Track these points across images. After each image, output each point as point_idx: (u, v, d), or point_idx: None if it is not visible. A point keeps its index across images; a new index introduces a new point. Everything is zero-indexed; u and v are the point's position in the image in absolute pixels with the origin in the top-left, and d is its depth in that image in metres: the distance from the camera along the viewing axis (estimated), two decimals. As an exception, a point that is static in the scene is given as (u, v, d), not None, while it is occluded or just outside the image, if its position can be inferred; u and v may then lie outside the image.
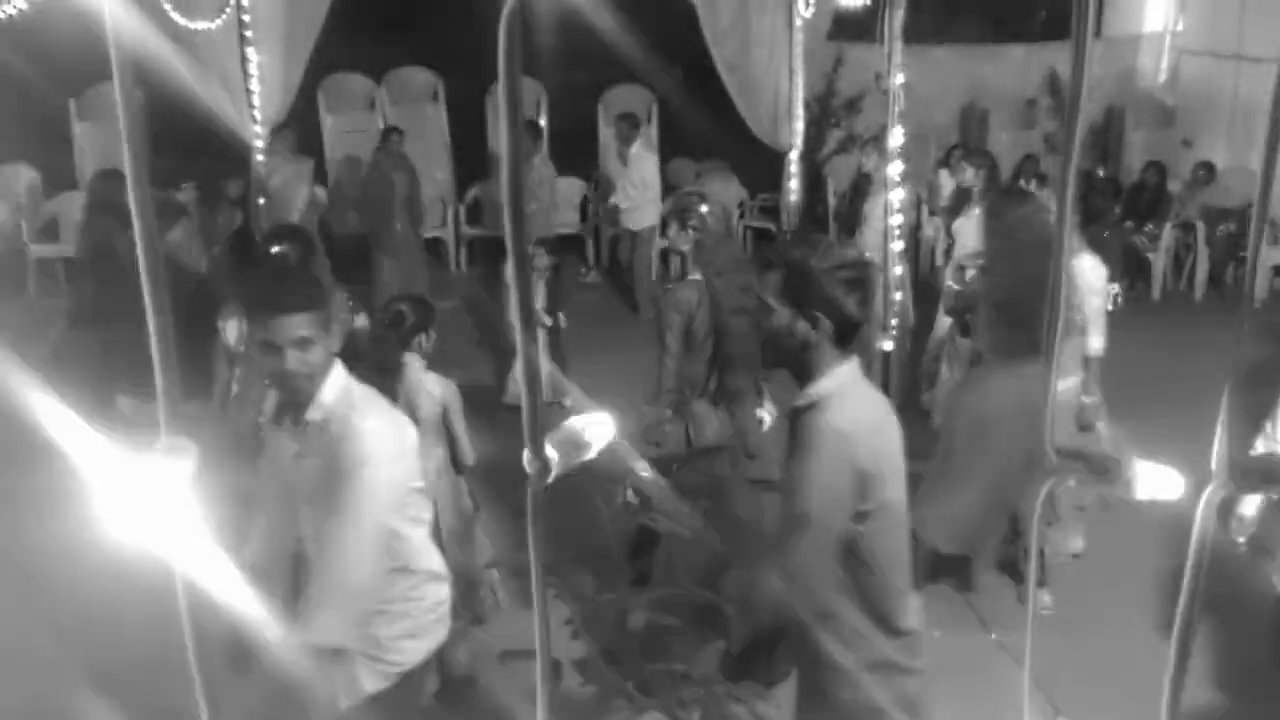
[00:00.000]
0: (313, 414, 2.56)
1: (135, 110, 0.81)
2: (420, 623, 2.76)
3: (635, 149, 8.91)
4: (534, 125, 9.40)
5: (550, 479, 0.85)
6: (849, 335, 2.27)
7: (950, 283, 5.47)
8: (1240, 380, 0.88)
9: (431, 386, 3.78)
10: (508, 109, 0.80)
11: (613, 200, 9.08)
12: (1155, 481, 0.86)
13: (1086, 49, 0.79)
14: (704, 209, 4.22)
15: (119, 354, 4.70)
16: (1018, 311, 3.90)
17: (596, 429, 0.93)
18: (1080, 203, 6.41)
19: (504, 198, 0.81)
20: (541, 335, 6.70)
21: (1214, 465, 0.89)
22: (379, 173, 8.64)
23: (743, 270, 3.98)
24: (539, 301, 6.75)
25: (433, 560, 2.82)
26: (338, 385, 2.57)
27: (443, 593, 2.83)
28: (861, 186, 7.72)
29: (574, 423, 0.93)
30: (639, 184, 8.84)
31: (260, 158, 8.11)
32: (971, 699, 4.07)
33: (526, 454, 0.82)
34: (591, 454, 0.93)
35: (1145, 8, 11.34)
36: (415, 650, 2.76)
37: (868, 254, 6.98)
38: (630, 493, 2.54)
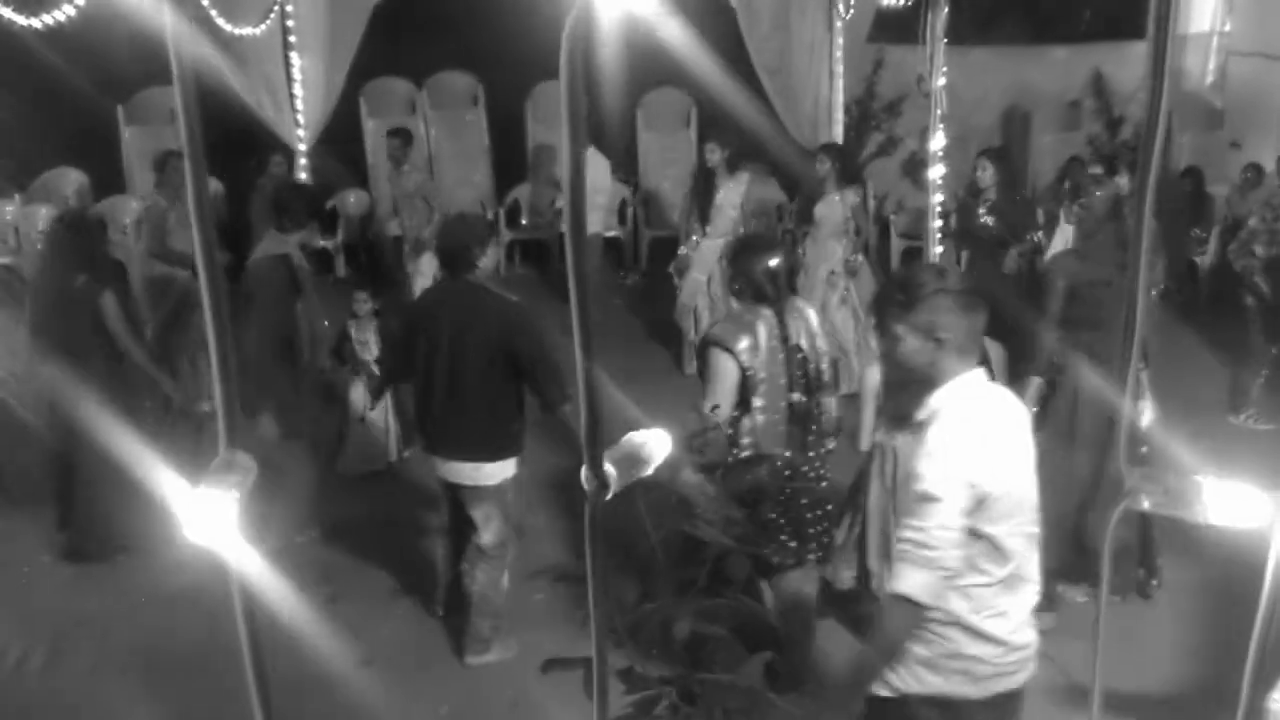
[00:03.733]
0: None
1: (195, 121, 0.81)
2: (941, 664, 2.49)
3: (587, 153, 8.73)
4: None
5: (609, 495, 0.84)
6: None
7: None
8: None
9: None
10: (570, 119, 0.79)
11: (558, 204, 8.79)
12: (1233, 505, 0.83)
13: (1167, 53, 0.76)
14: (1098, 193, 4.86)
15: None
16: (1098, 292, 4.42)
17: (655, 445, 0.92)
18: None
19: (565, 206, 0.80)
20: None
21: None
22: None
23: (1119, 250, 4.48)
24: (372, 352, 6.14)
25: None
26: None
27: (983, 652, 2.47)
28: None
29: (633, 439, 0.92)
30: (589, 189, 8.67)
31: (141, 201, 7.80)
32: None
33: (585, 471, 0.81)
34: (650, 470, 0.92)
35: (1192, 8, 11.14)
36: (925, 683, 2.49)
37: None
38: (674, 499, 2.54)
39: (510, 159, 10.52)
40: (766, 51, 8.85)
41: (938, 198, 6.54)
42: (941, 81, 6.18)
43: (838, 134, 9.20)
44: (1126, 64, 10.94)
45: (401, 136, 8.48)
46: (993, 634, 2.42)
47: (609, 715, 2.25)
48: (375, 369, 6.00)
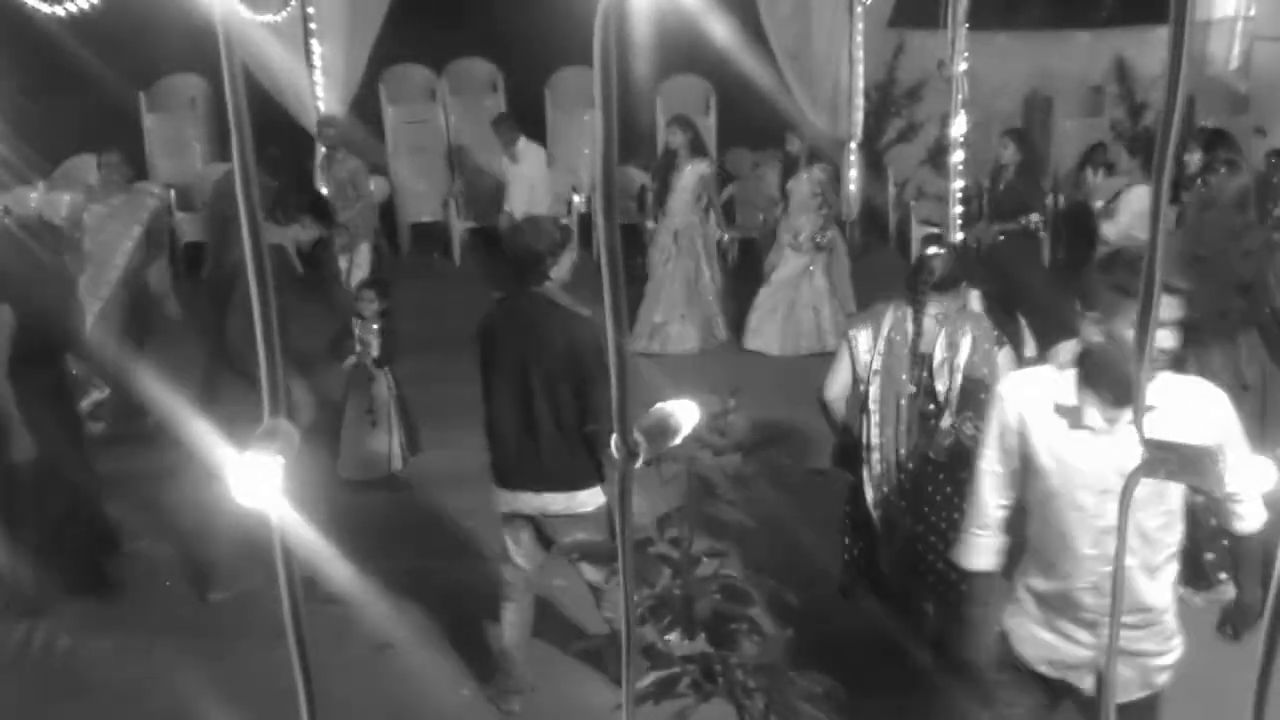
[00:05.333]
0: None
1: (243, 100, 0.83)
2: None
3: (521, 144, 8.45)
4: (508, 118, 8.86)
5: (638, 465, 0.86)
6: None
7: None
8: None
9: None
10: (602, 104, 0.80)
11: (507, 208, 8.44)
12: (1247, 473, 0.85)
13: (1187, 34, 0.77)
14: (1227, 174, 5.10)
15: None
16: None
17: (684, 415, 0.94)
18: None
19: (597, 191, 0.82)
20: (389, 396, 5.72)
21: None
22: None
23: (1228, 238, 4.78)
24: (371, 354, 5.68)
25: None
26: None
27: None
28: None
29: (661, 409, 0.94)
30: (529, 177, 8.41)
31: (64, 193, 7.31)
32: None
33: (615, 440, 0.83)
34: (679, 440, 0.94)
35: (1217, -8, 11.04)
36: None
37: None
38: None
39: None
40: (786, 36, 8.84)
41: (959, 183, 6.54)
42: (963, 66, 6.16)
43: (857, 120, 9.18)
44: (1149, 49, 10.85)
45: (331, 122, 8.26)
46: None
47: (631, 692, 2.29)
48: (375, 369, 5.67)
